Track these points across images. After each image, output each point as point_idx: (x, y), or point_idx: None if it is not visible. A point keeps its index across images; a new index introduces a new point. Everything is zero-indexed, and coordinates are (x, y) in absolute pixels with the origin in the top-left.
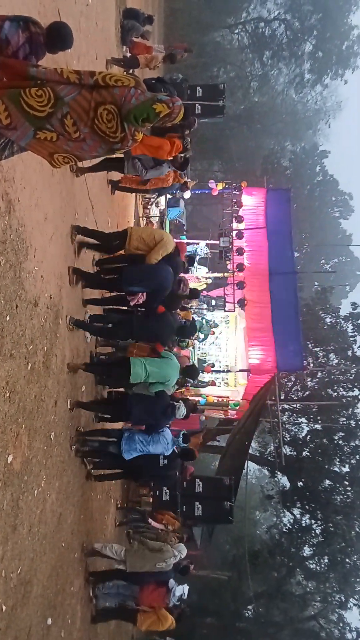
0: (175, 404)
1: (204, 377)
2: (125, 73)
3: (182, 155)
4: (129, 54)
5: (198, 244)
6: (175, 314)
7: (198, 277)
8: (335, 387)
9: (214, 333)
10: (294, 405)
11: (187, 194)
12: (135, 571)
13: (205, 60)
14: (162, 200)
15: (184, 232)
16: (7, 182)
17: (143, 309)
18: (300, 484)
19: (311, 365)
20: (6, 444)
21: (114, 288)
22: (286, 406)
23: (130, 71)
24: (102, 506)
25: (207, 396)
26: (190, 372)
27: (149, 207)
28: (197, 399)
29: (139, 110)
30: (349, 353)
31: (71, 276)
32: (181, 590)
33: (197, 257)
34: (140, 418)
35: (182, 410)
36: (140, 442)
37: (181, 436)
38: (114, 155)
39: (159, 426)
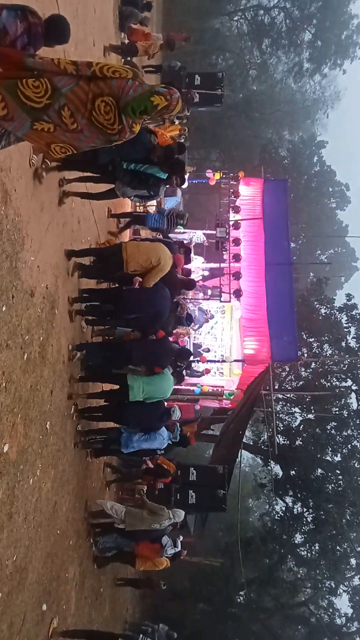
0: (171, 409)
1: (199, 366)
2: (123, 63)
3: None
4: (127, 41)
5: (195, 233)
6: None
7: (192, 269)
8: (329, 378)
9: (208, 321)
10: (288, 395)
11: (184, 185)
12: (133, 529)
13: (203, 47)
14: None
15: (181, 223)
16: (4, 171)
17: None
18: (292, 472)
19: (305, 355)
20: (2, 434)
21: (112, 316)
22: (280, 396)
23: (129, 58)
24: (98, 494)
25: (202, 385)
26: (182, 357)
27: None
28: (192, 388)
29: (137, 102)
30: (343, 344)
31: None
32: (172, 547)
33: (193, 244)
34: (137, 425)
35: (177, 414)
36: (138, 440)
37: (177, 429)
38: (105, 189)
39: (155, 430)
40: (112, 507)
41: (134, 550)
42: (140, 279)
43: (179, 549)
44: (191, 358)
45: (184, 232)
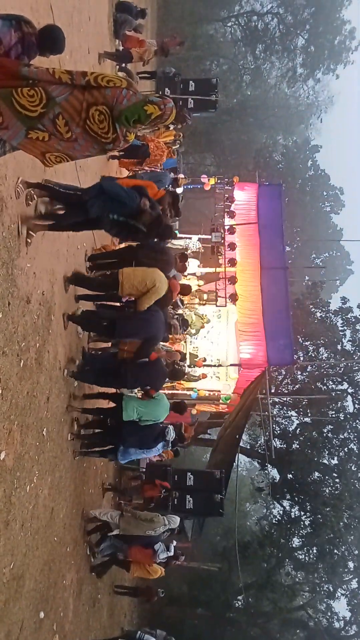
0: (165, 429)
1: (196, 370)
2: (117, 69)
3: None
4: (121, 48)
5: (190, 238)
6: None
7: (187, 275)
8: (325, 381)
9: (204, 326)
10: (284, 399)
11: (179, 190)
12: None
13: (197, 53)
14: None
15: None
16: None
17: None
18: (289, 476)
19: (301, 359)
20: None
21: (108, 336)
22: (276, 399)
23: (123, 65)
24: (95, 500)
25: (198, 390)
26: (178, 409)
27: None
28: (188, 392)
29: (131, 112)
30: (339, 347)
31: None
32: (164, 552)
33: (189, 251)
34: (132, 445)
35: (171, 434)
36: (135, 453)
37: (171, 433)
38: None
39: (150, 448)
40: (106, 513)
41: (128, 556)
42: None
43: (172, 553)
44: (187, 363)
45: (179, 238)
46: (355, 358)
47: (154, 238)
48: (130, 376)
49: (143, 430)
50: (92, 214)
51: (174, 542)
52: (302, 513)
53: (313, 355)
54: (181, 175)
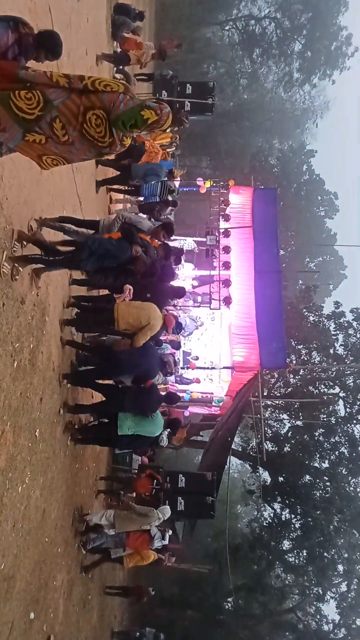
0: (159, 437)
1: (189, 373)
2: (115, 71)
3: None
4: (119, 50)
5: (185, 240)
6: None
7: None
8: (317, 385)
9: (198, 328)
10: (277, 402)
11: (175, 183)
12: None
13: (195, 56)
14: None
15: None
16: None
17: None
18: (281, 479)
19: (294, 362)
20: None
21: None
22: (269, 402)
23: (121, 67)
24: (86, 501)
25: (191, 392)
26: (173, 427)
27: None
28: (181, 394)
29: (127, 116)
30: (331, 351)
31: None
32: (160, 539)
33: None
34: (128, 449)
35: (165, 441)
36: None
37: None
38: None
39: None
40: (102, 515)
41: (127, 546)
42: (130, 287)
43: (167, 542)
44: (180, 365)
45: (174, 240)
46: (347, 362)
47: (151, 280)
48: (128, 401)
49: (138, 439)
50: (88, 270)
51: (169, 531)
52: (293, 516)
53: (305, 358)
54: (176, 170)
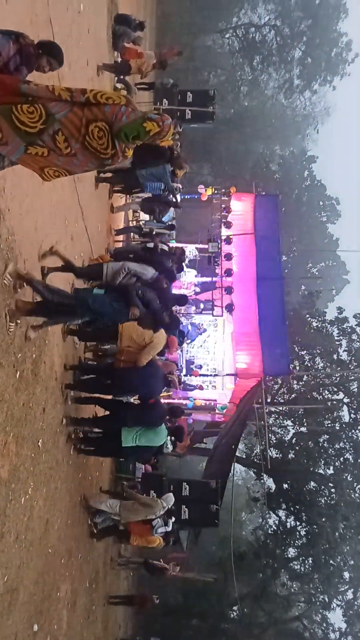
0: (163, 445)
1: (192, 380)
2: (116, 81)
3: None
4: (120, 60)
5: (187, 247)
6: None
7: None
8: (321, 391)
9: (200, 334)
10: (280, 408)
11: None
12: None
13: (195, 64)
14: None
15: (173, 238)
16: None
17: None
18: (285, 486)
19: (297, 368)
20: None
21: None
22: (272, 409)
23: (122, 77)
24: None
25: (194, 399)
26: (177, 435)
27: (137, 212)
28: (185, 402)
29: (130, 128)
30: (335, 357)
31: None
32: (162, 526)
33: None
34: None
35: (169, 448)
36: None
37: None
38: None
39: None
40: (107, 503)
41: (127, 527)
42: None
43: (170, 528)
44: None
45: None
46: (351, 368)
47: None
48: (130, 418)
49: (142, 449)
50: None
51: (172, 518)
52: (298, 523)
53: (309, 364)
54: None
